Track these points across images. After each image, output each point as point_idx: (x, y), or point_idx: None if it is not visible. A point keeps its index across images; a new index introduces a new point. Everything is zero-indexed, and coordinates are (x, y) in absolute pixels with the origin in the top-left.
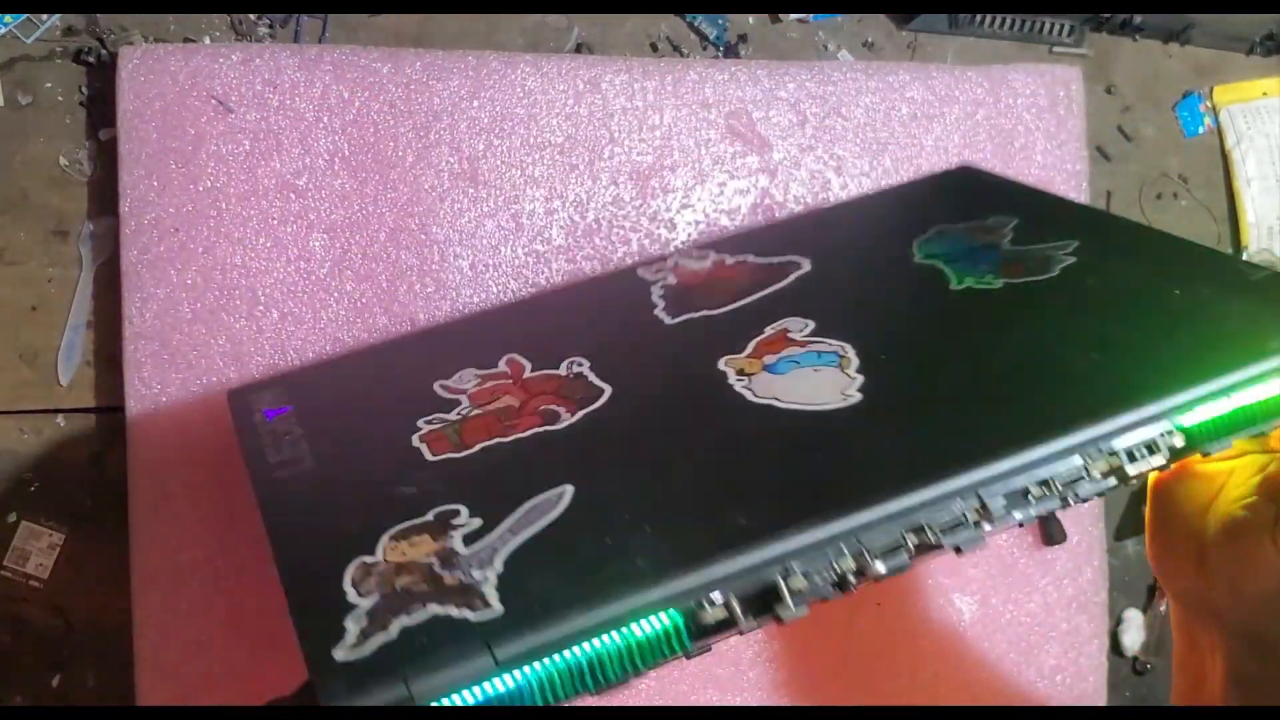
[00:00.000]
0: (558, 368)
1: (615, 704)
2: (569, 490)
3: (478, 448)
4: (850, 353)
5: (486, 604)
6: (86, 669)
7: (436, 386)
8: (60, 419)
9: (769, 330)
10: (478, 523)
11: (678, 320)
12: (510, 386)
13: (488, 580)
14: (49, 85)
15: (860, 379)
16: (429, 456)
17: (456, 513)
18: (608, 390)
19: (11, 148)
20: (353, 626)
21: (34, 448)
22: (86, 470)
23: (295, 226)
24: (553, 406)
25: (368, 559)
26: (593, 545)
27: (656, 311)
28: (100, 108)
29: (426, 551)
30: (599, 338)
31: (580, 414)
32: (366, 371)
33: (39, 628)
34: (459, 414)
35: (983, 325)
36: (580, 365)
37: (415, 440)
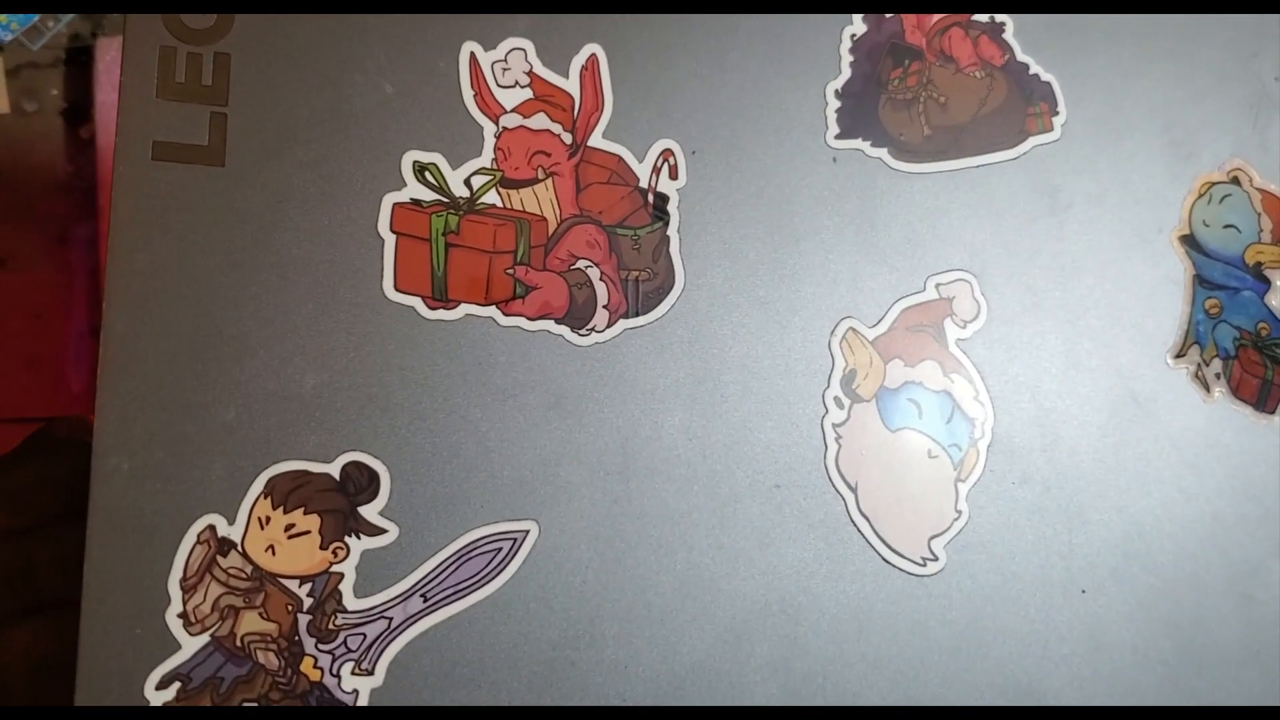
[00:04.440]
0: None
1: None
2: (532, 533)
3: (461, 313)
4: (986, 429)
5: None
6: None
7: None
8: None
9: (934, 285)
10: (389, 535)
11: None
12: (556, 152)
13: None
14: (54, 93)
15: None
16: (386, 287)
17: (374, 482)
18: (679, 285)
19: (16, 155)
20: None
21: None
22: None
23: None
24: (587, 267)
25: (222, 525)
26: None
27: (831, 85)
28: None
29: (307, 568)
30: None
31: (621, 324)
32: None
33: None
34: (478, 176)
35: None
36: (670, 160)
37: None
